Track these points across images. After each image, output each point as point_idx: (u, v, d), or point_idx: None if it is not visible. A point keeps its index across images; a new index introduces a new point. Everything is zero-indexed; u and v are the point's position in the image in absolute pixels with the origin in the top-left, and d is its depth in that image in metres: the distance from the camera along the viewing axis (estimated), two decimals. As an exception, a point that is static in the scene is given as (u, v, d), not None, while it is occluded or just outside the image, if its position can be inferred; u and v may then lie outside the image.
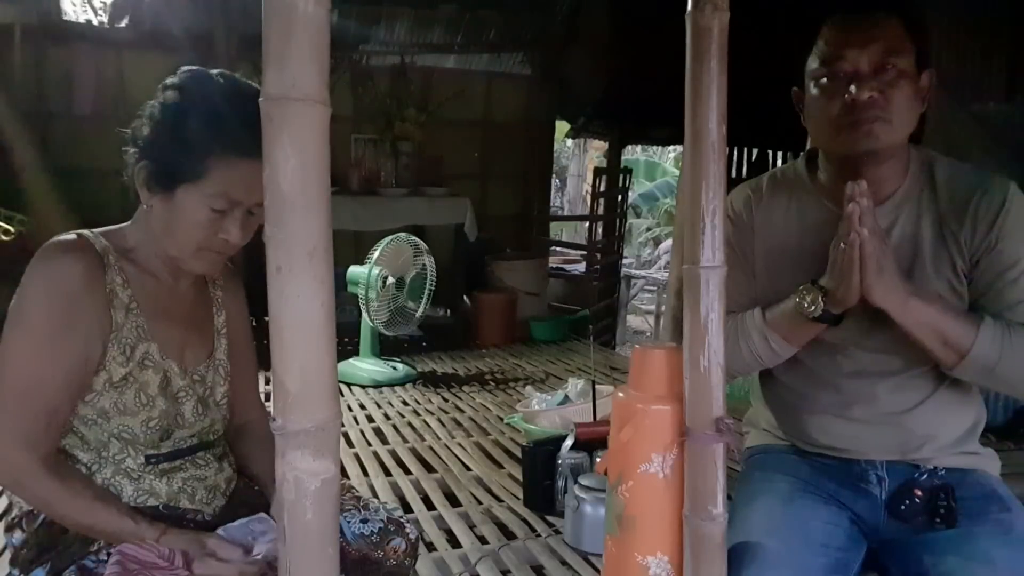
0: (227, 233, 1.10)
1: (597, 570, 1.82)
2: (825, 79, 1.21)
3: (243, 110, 1.04)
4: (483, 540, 2.01)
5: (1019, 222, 1.20)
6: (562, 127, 6.67)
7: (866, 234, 1.07)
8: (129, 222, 1.18)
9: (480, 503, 2.26)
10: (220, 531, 1.11)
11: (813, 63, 1.24)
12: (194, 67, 1.14)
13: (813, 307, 1.17)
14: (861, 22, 1.20)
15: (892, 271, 1.12)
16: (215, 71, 1.13)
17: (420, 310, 3.67)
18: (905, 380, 1.27)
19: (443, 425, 3.04)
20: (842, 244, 1.11)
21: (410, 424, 3.05)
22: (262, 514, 1.15)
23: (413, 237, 3.65)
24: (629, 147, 10.08)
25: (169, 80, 1.12)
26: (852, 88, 1.16)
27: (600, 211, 6.32)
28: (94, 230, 1.15)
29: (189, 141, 1.06)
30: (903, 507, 1.23)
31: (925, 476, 1.24)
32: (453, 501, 2.28)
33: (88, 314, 1.08)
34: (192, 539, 1.07)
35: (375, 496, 2.27)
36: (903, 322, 1.14)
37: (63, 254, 1.09)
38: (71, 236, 1.12)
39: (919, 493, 1.22)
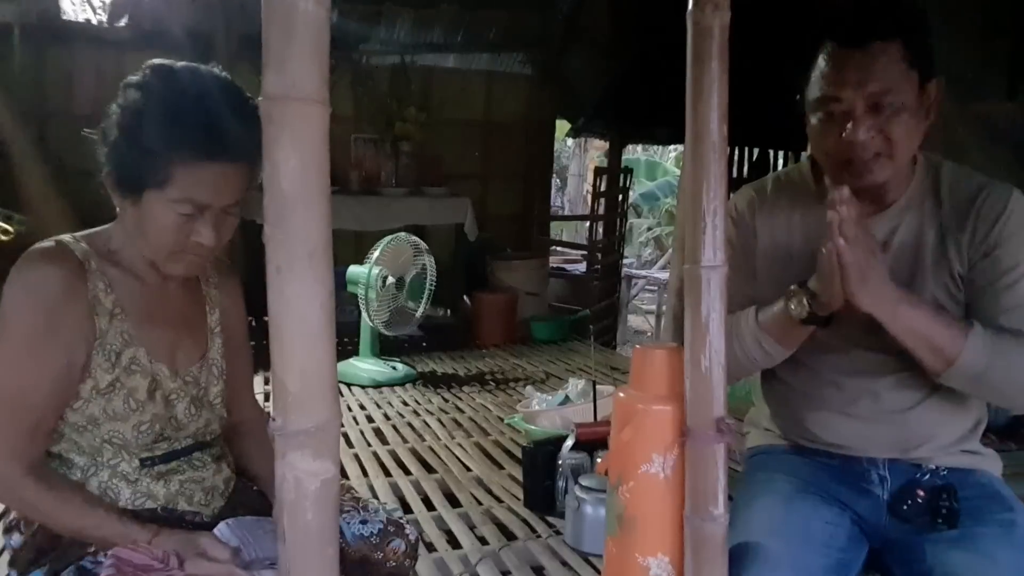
0: (199, 236, 1.08)
1: (598, 571, 1.82)
2: (822, 114, 1.19)
3: (208, 110, 1.03)
4: (483, 541, 2.01)
5: (1019, 227, 1.19)
6: (562, 127, 6.66)
7: (843, 244, 1.05)
8: (114, 222, 1.15)
9: (480, 504, 2.26)
10: (221, 525, 1.10)
11: (813, 92, 1.20)
12: (160, 62, 1.09)
13: (799, 309, 1.17)
14: (858, 53, 1.13)
15: (879, 279, 1.10)
16: (180, 64, 1.09)
17: (420, 310, 3.66)
18: (906, 378, 1.26)
19: (443, 425, 3.03)
20: (823, 250, 1.10)
21: (410, 424, 3.04)
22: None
23: (413, 237, 3.65)
24: (630, 146, 10.07)
25: (132, 78, 1.07)
26: (849, 128, 1.14)
27: (601, 211, 6.32)
28: (77, 234, 1.13)
29: (150, 148, 1.03)
30: (905, 507, 1.23)
31: (927, 476, 1.24)
32: (453, 502, 2.28)
33: (69, 323, 1.07)
34: (184, 539, 1.06)
35: (375, 496, 2.27)
36: (891, 328, 1.13)
37: (41, 263, 1.07)
38: (49, 244, 1.10)
39: (921, 493, 1.22)
